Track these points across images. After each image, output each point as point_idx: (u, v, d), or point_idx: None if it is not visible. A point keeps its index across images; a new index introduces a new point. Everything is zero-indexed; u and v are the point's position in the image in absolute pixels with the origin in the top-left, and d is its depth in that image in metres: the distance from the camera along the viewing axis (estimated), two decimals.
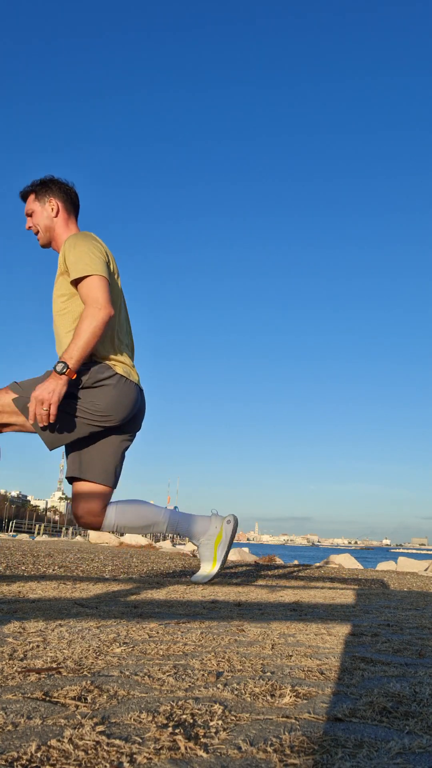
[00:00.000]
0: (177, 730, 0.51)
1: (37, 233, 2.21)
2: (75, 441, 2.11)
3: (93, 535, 10.91)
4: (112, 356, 2.11)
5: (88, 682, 0.66)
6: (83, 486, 2.14)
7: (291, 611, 1.44)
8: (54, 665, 0.74)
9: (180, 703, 0.59)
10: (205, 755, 0.46)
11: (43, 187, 2.19)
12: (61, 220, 2.19)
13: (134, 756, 0.45)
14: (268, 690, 0.65)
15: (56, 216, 2.19)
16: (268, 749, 0.47)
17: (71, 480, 2.17)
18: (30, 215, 2.21)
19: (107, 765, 0.43)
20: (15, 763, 0.43)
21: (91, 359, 2.05)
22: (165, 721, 0.53)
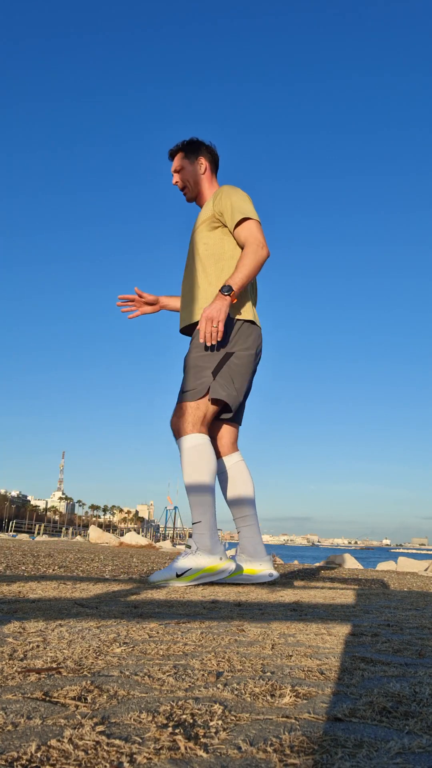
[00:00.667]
0: (177, 730, 0.51)
1: (183, 188, 2.46)
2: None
3: (93, 535, 10.91)
4: (247, 302, 2.34)
5: (88, 682, 0.66)
6: (224, 426, 2.44)
7: (291, 611, 1.44)
8: (54, 665, 0.74)
9: (180, 703, 0.59)
10: (205, 755, 0.46)
11: (191, 146, 2.45)
12: (207, 178, 2.46)
13: (134, 756, 0.45)
14: (268, 690, 0.65)
15: (204, 173, 2.45)
16: (268, 749, 0.47)
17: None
18: (179, 171, 2.45)
19: (107, 765, 0.43)
20: (15, 763, 0.43)
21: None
22: (165, 721, 0.53)
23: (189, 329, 2.40)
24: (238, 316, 2.30)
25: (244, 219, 2.23)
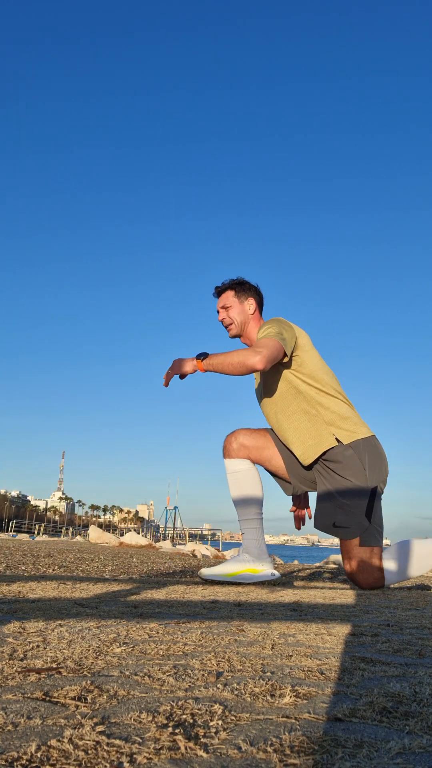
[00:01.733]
0: (177, 730, 0.51)
1: (230, 325, 2.52)
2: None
3: (93, 535, 10.91)
4: (342, 419, 2.34)
5: (88, 682, 0.66)
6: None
7: (291, 611, 1.44)
8: (54, 665, 0.74)
9: (180, 703, 0.59)
10: (205, 755, 0.46)
11: (242, 286, 2.54)
12: (255, 318, 2.53)
13: (134, 756, 0.45)
14: (268, 690, 0.65)
15: (252, 313, 2.52)
16: (268, 749, 0.47)
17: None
18: (226, 308, 2.52)
19: (107, 765, 0.43)
20: (15, 763, 0.43)
21: (330, 446, 2.29)
22: (165, 721, 0.53)
23: (313, 464, 2.38)
24: (353, 437, 2.29)
25: (266, 336, 2.28)
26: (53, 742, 0.47)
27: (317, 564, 7.02)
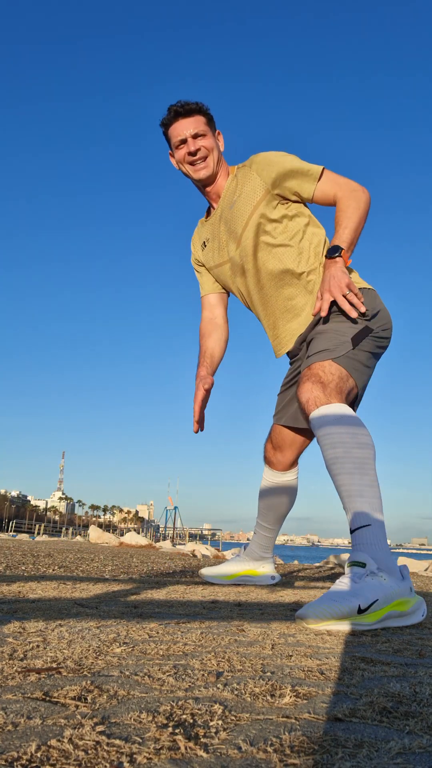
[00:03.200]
0: (177, 730, 0.51)
1: (205, 158, 1.82)
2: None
3: (93, 535, 10.91)
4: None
5: (88, 682, 0.66)
6: (298, 436, 2.15)
7: (291, 611, 1.44)
8: (54, 665, 0.74)
9: (180, 703, 0.59)
10: (205, 755, 0.46)
11: (212, 117, 1.88)
12: (223, 159, 1.90)
13: (134, 756, 0.45)
14: (268, 690, 0.65)
15: (222, 151, 1.90)
16: (268, 749, 0.47)
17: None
18: (200, 137, 1.82)
19: (107, 765, 0.43)
20: (15, 763, 0.43)
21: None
22: (165, 721, 0.53)
23: (296, 350, 1.89)
24: (364, 285, 1.76)
25: (319, 174, 1.73)
26: (53, 742, 0.47)
27: (317, 564, 7.02)
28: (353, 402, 1.68)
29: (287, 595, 1.90)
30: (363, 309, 1.60)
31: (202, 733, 0.50)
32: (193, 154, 1.81)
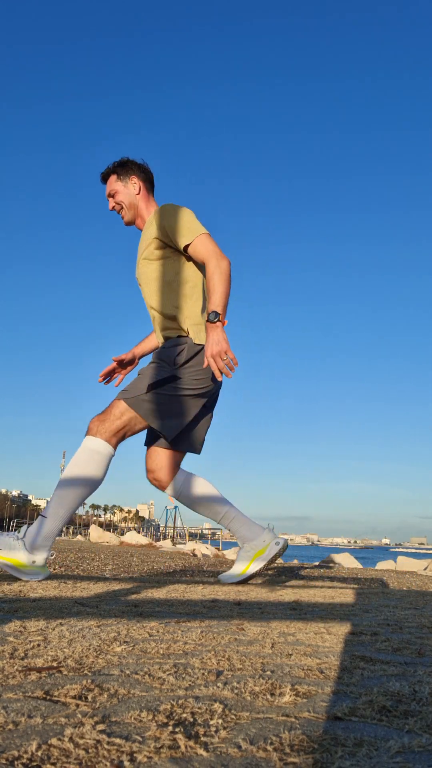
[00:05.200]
0: (177, 729, 0.51)
1: (120, 211, 2.31)
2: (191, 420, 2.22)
3: (94, 535, 10.92)
4: (201, 319, 2.21)
5: (89, 680, 0.66)
6: (167, 452, 2.32)
7: (291, 610, 1.44)
8: (55, 664, 0.75)
9: (180, 701, 0.59)
10: (205, 754, 0.46)
11: (123, 167, 2.32)
12: (143, 198, 2.32)
13: (135, 755, 0.45)
14: (268, 689, 0.65)
15: (138, 193, 2.31)
16: (268, 748, 0.47)
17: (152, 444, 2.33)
18: (113, 195, 2.31)
19: (108, 764, 0.43)
20: (16, 762, 0.43)
21: (177, 335, 2.21)
22: (165, 720, 0.53)
23: None
24: (197, 340, 2.16)
25: (196, 236, 2.13)
26: (54, 741, 0.47)
27: (317, 563, 7.02)
28: (158, 429, 2.14)
29: (287, 594, 1.90)
30: (229, 375, 2.02)
31: (203, 732, 0.51)
32: (112, 210, 2.34)
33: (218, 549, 12.02)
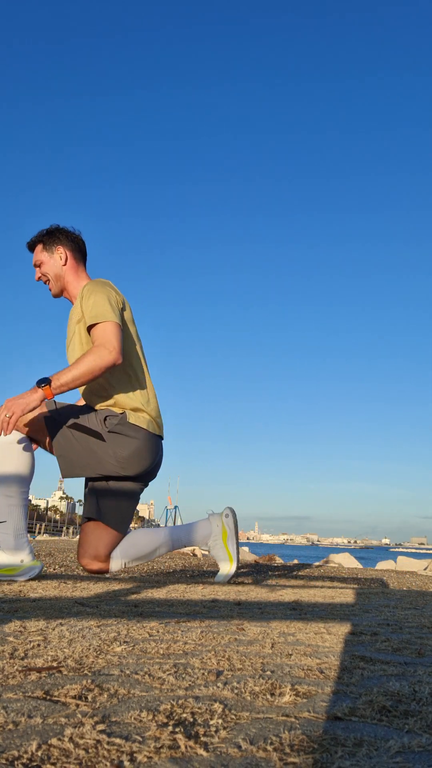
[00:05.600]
0: (177, 729, 0.51)
1: (47, 282, 2.23)
2: (93, 480, 2.16)
3: None
4: (141, 407, 2.13)
5: (89, 680, 0.66)
6: (98, 527, 2.14)
7: (291, 610, 1.44)
8: (55, 664, 0.75)
9: (180, 701, 0.59)
10: (205, 754, 0.46)
11: (50, 236, 2.22)
12: (71, 268, 2.22)
13: (135, 755, 0.45)
14: (268, 689, 0.65)
15: (65, 264, 2.21)
16: (268, 748, 0.47)
17: (87, 519, 2.19)
18: (39, 266, 2.22)
19: (108, 764, 0.43)
20: (16, 762, 0.43)
21: (122, 411, 2.11)
22: (165, 720, 0.53)
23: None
24: (132, 420, 2.09)
25: (100, 321, 2.02)
26: (54, 741, 0.47)
27: (317, 563, 7.02)
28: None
29: (287, 594, 1.90)
30: (7, 434, 1.89)
31: (202, 732, 0.51)
32: (38, 280, 2.25)
33: None
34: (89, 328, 2.06)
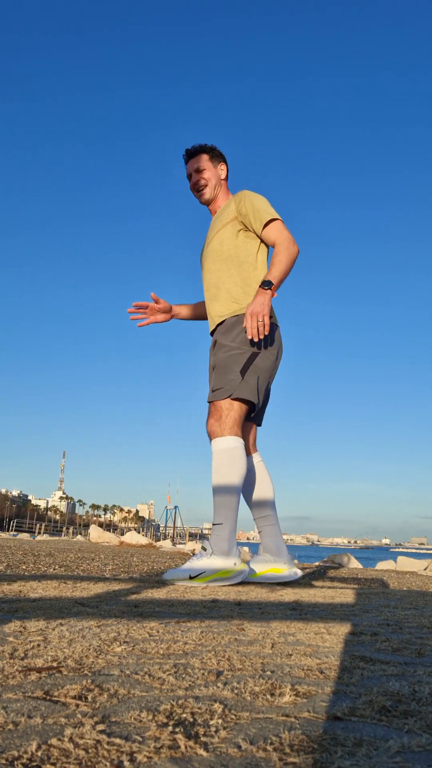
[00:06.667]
0: (177, 729, 0.51)
1: (204, 188, 2.52)
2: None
3: (94, 535, 10.92)
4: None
5: (89, 681, 0.66)
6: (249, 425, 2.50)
7: (291, 610, 1.44)
8: (55, 664, 0.75)
9: (180, 701, 0.59)
10: (205, 754, 0.46)
11: (216, 151, 2.56)
12: (225, 184, 2.58)
13: (134, 755, 0.45)
14: (267, 689, 0.65)
15: (224, 179, 2.57)
16: (268, 748, 0.47)
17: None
18: (200, 171, 2.52)
19: (108, 764, 0.44)
20: (16, 762, 0.43)
21: (239, 313, 2.35)
22: (165, 720, 0.53)
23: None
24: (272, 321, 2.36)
25: (272, 220, 2.31)
26: (54, 741, 0.47)
27: (317, 563, 7.02)
28: (259, 405, 2.35)
29: (287, 594, 1.90)
30: (256, 339, 2.17)
31: (202, 732, 0.51)
32: (195, 184, 2.54)
33: None
34: (264, 226, 2.32)
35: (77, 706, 0.57)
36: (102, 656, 0.80)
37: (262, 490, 2.43)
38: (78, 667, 0.73)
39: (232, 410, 2.24)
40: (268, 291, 2.18)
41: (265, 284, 2.19)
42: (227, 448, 2.20)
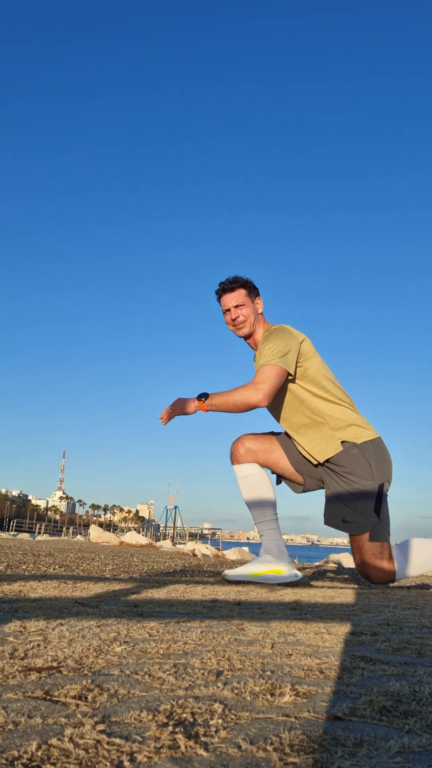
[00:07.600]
0: (177, 729, 0.51)
1: (243, 323, 2.50)
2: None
3: (94, 535, 10.92)
4: (351, 420, 2.40)
5: (89, 681, 0.66)
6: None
7: (291, 610, 1.44)
8: (55, 664, 0.75)
9: (180, 701, 0.59)
10: (205, 754, 0.46)
11: (252, 285, 2.56)
12: (262, 318, 2.57)
13: (135, 755, 0.45)
14: (268, 689, 0.65)
15: (260, 313, 2.57)
16: (268, 748, 0.47)
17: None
18: (240, 307, 2.51)
19: (108, 764, 0.43)
20: (16, 762, 0.43)
21: (340, 443, 2.37)
22: (165, 720, 0.53)
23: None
24: (359, 439, 2.35)
25: (265, 364, 2.31)
26: (54, 741, 0.47)
27: (317, 563, 7.02)
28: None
29: (287, 594, 1.90)
30: (164, 422, 2.40)
31: (203, 732, 0.50)
32: (234, 320, 2.52)
33: (218, 549, 12.02)
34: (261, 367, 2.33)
35: (77, 706, 0.57)
36: (102, 656, 0.80)
37: (263, 491, 2.45)
38: (78, 667, 0.73)
39: (384, 551, 2.33)
40: (198, 402, 2.31)
41: (202, 396, 2.30)
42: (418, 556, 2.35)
